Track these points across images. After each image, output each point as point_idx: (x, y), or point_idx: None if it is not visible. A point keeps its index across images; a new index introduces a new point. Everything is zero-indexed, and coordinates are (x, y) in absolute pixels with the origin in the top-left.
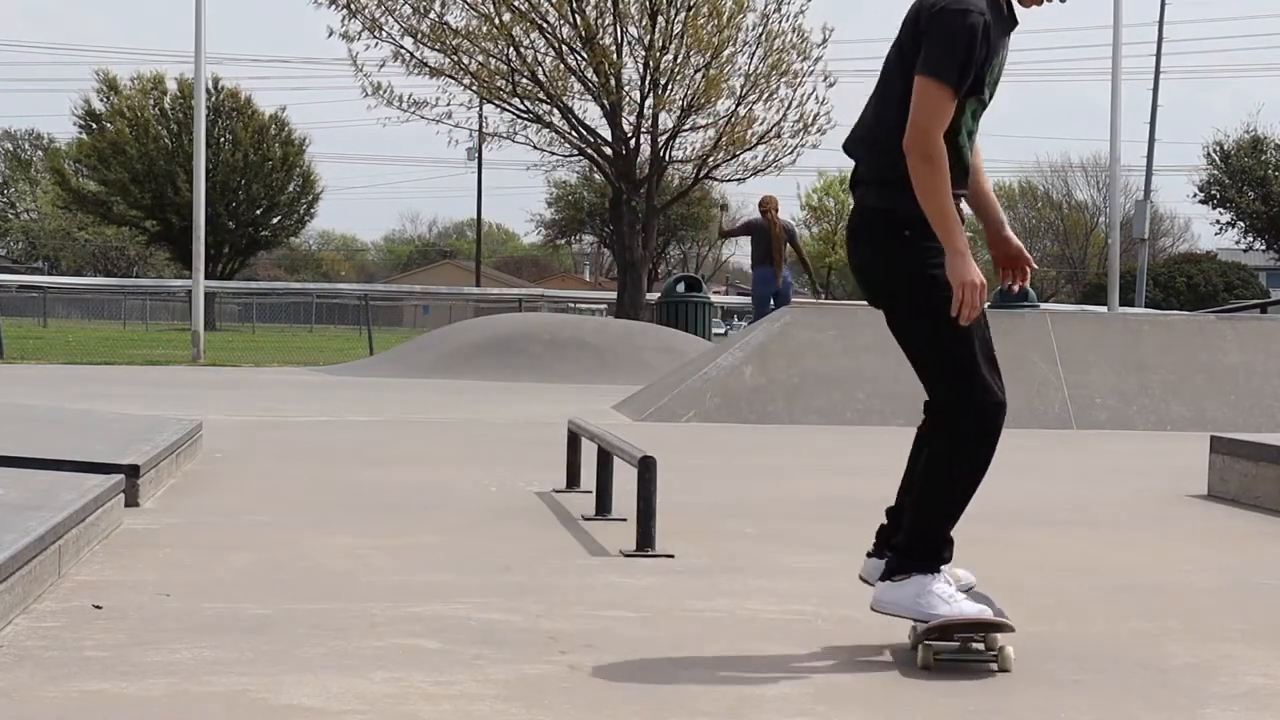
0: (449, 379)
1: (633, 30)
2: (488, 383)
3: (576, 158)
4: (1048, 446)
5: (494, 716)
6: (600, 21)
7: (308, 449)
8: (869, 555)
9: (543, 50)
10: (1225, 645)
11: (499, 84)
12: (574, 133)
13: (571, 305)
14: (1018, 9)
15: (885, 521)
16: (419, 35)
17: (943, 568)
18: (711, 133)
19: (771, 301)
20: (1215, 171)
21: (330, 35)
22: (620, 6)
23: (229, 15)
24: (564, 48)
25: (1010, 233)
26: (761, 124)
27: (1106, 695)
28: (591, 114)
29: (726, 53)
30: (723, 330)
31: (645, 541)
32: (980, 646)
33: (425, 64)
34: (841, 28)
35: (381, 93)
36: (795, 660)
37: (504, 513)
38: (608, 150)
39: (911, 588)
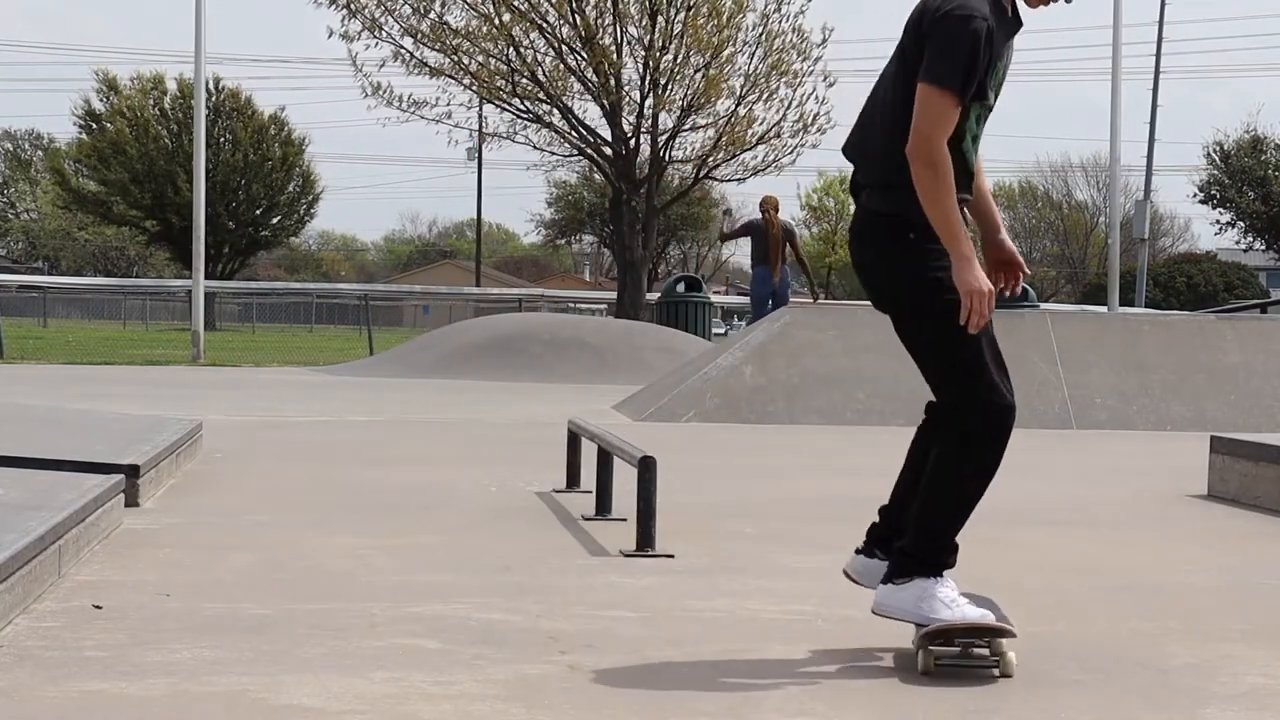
0: (449, 379)
1: (633, 30)
2: (488, 383)
3: (576, 158)
4: (1048, 446)
5: (494, 716)
6: (600, 21)
7: (308, 449)
8: (857, 551)
9: (543, 50)
10: (1225, 645)
11: (499, 84)
12: (574, 133)
13: (571, 305)
14: (1023, 9)
15: (877, 519)
16: (419, 35)
17: (945, 572)
18: (711, 133)
19: (770, 302)
20: (1215, 171)
21: (330, 35)
22: (620, 6)
23: (229, 15)
24: (564, 48)
25: (1005, 237)
26: (761, 124)
27: (1106, 695)
28: (591, 114)
29: (726, 53)
30: (723, 330)
31: (645, 541)
32: (985, 651)
33: (425, 64)
34: (841, 28)
35: (381, 93)
36: (795, 660)
37: (504, 513)
38: (608, 150)
39: (913, 591)
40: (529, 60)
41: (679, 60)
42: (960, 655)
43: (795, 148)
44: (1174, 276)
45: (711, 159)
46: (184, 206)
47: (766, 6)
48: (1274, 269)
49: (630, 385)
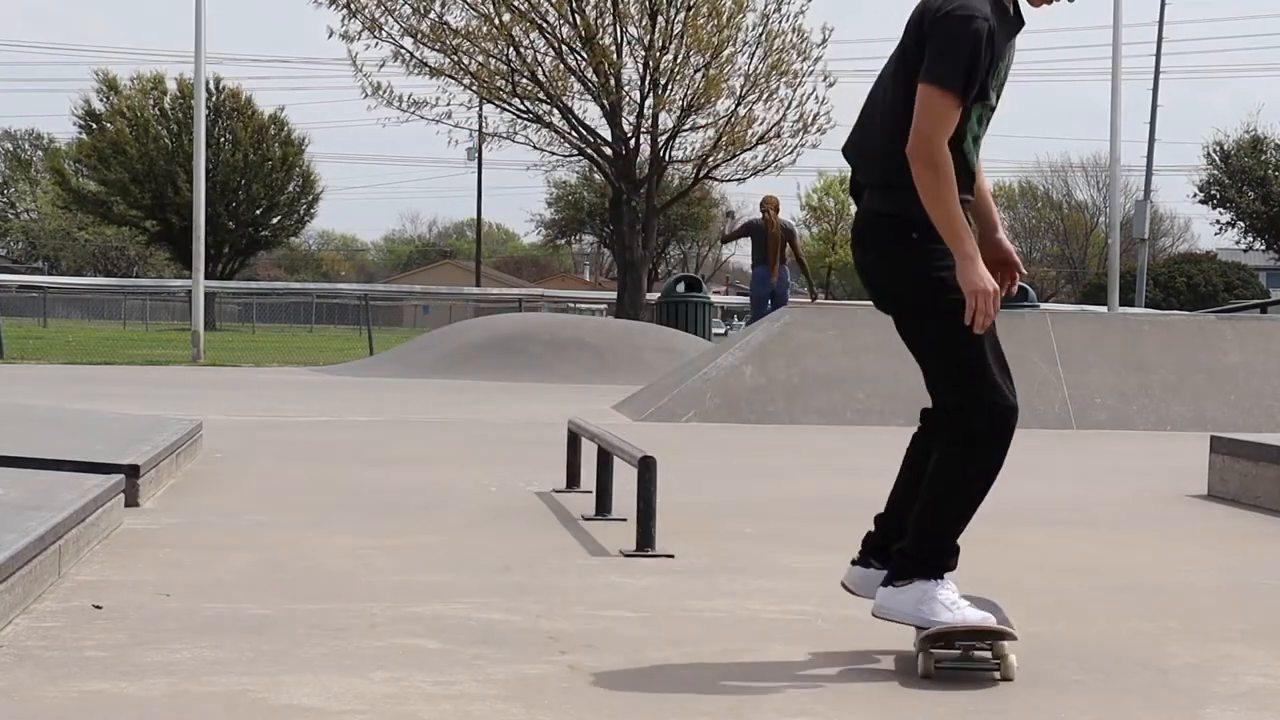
0: (449, 379)
1: (633, 30)
2: (488, 383)
3: (576, 158)
4: (1048, 446)
5: (494, 716)
6: (600, 21)
7: (308, 449)
8: (853, 563)
9: (543, 50)
10: (1225, 645)
11: (499, 84)
12: (574, 133)
13: (571, 305)
14: (1025, 9)
15: (873, 529)
16: (419, 35)
17: (946, 574)
18: (711, 133)
19: (769, 302)
20: (1215, 171)
21: (330, 35)
22: (620, 6)
23: (229, 15)
24: (564, 48)
25: (1003, 236)
26: (761, 124)
27: (1106, 695)
28: (591, 114)
29: (726, 53)
30: (723, 330)
31: (645, 541)
32: (986, 654)
33: (425, 64)
34: (841, 28)
35: (381, 93)
36: (795, 660)
37: (504, 513)
38: (608, 150)
39: (913, 593)
40: (529, 60)
41: (679, 60)
42: (961, 658)
43: (795, 148)
44: (1174, 276)
45: (711, 159)
46: (184, 206)
47: (766, 6)
48: (1274, 269)
49: (630, 385)
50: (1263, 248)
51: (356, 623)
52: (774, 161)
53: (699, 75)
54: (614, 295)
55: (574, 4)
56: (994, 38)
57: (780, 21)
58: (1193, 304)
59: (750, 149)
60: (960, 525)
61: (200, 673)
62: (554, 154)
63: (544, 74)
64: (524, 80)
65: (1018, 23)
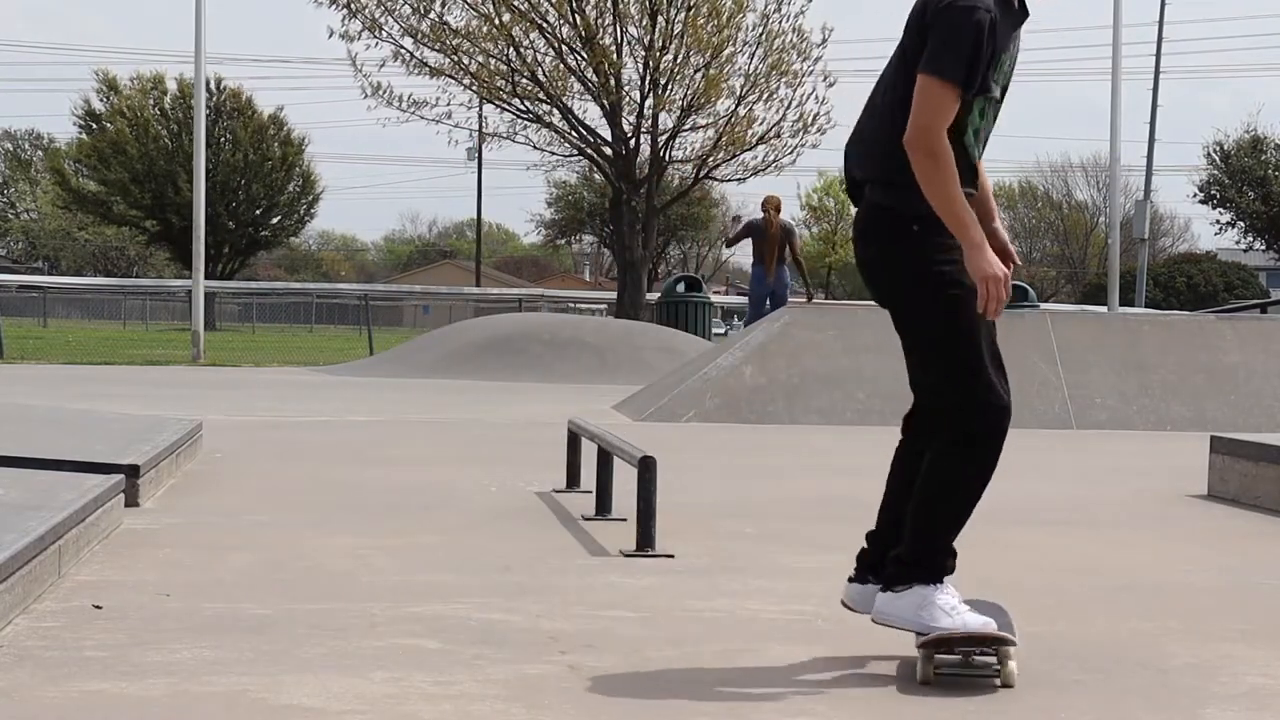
0: (449, 379)
1: (633, 30)
2: (488, 383)
3: (576, 158)
4: (1048, 446)
5: (494, 716)
6: (600, 21)
7: (308, 449)
8: (850, 580)
9: (543, 50)
10: (1225, 645)
11: (499, 84)
12: (574, 133)
13: (571, 305)
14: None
15: (866, 546)
16: (419, 35)
17: (946, 579)
18: (711, 133)
19: (768, 301)
20: (1215, 171)
21: (330, 35)
22: (620, 6)
23: (229, 15)
24: (564, 48)
25: (999, 225)
26: (761, 124)
27: (1106, 695)
28: (591, 114)
29: (726, 53)
30: (723, 330)
31: (645, 541)
32: (989, 660)
33: (425, 64)
34: (841, 28)
35: (381, 93)
36: (795, 660)
37: (504, 513)
38: (608, 150)
39: (913, 599)
40: (529, 60)
41: (679, 60)
42: (961, 664)
43: (795, 148)
44: (1174, 276)
45: (711, 159)
46: (184, 206)
47: (766, 6)
48: (1274, 269)
49: (630, 385)
50: (1263, 248)
51: (356, 623)
52: (774, 161)
53: (699, 75)
54: (614, 295)
55: (574, 4)
56: (996, 29)
57: (780, 21)
58: (1193, 304)
59: (750, 149)
60: (956, 527)
61: (200, 673)
62: (554, 154)
63: (544, 74)
64: (524, 80)
65: (1022, 14)
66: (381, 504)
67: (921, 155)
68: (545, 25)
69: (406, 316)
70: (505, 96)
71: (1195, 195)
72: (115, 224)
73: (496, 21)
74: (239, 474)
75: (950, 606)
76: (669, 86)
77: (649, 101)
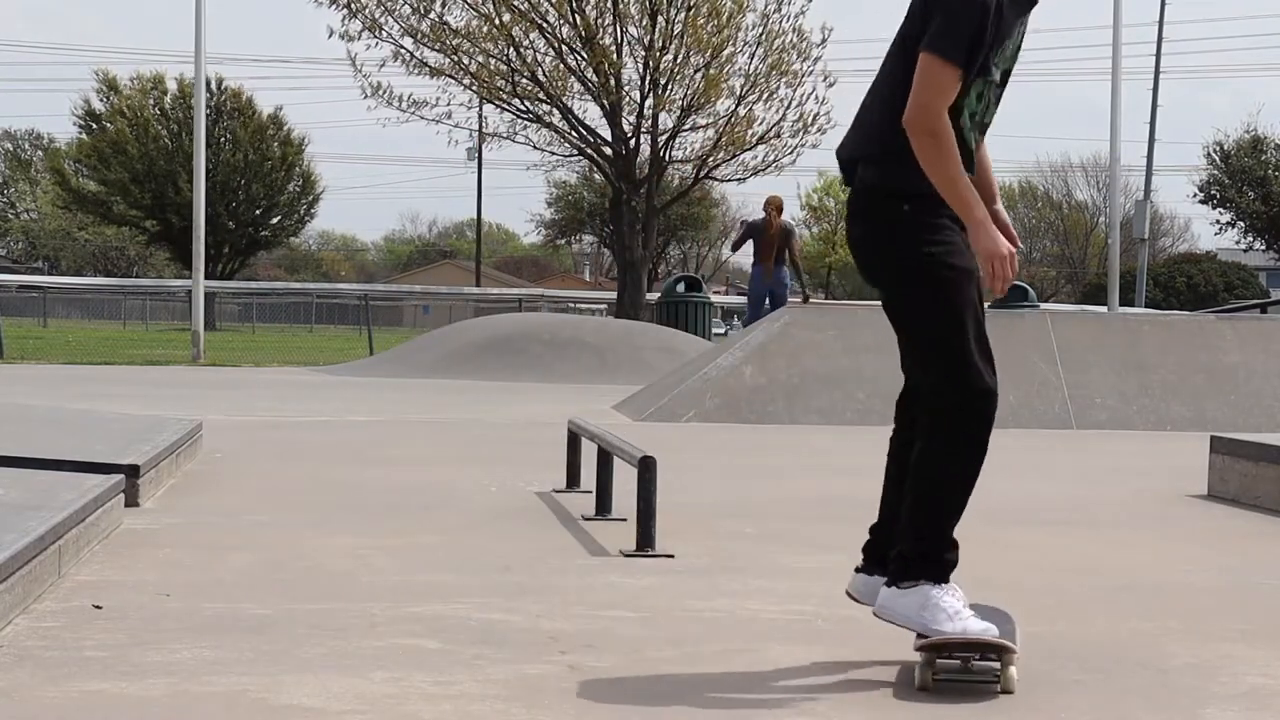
0: (449, 379)
1: (633, 30)
2: (488, 383)
3: (576, 158)
4: (1048, 446)
5: (494, 716)
6: (600, 21)
7: (308, 449)
8: (857, 571)
9: (543, 50)
10: (1225, 645)
11: (499, 84)
12: (574, 133)
13: (571, 305)
14: None
15: (870, 538)
16: (419, 35)
17: (951, 579)
18: (711, 133)
19: (767, 301)
20: (1215, 171)
21: (330, 35)
22: (620, 6)
23: (229, 15)
24: (564, 48)
25: (1001, 208)
26: (761, 124)
27: (1106, 695)
28: (591, 114)
29: (726, 52)
30: (723, 330)
31: (645, 541)
32: (992, 665)
33: (425, 64)
34: (841, 28)
35: (381, 93)
36: (795, 660)
37: (504, 513)
38: (608, 150)
39: (916, 598)
40: (529, 60)
41: (679, 60)
42: (960, 669)
43: (795, 148)
44: (1174, 276)
45: (711, 159)
46: (184, 206)
47: (766, 6)
48: (1274, 269)
49: (630, 385)
50: (1263, 248)
51: (356, 623)
52: (774, 161)
53: (699, 75)
54: (614, 295)
55: (574, 4)
56: (1002, 11)
57: (780, 21)
58: (1193, 304)
59: (750, 149)
60: (951, 516)
61: (200, 673)
62: (554, 154)
63: (544, 74)
64: (524, 80)
65: (1030, 0)
66: (381, 504)
67: (922, 134)
68: (545, 25)
69: (406, 316)
70: (505, 96)
71: (1195, 195)
72: (115, 224)
73: (496, 21)
74: (239, 474)
75: (954, 610)
76: (669, 86)
77: (649, 101)
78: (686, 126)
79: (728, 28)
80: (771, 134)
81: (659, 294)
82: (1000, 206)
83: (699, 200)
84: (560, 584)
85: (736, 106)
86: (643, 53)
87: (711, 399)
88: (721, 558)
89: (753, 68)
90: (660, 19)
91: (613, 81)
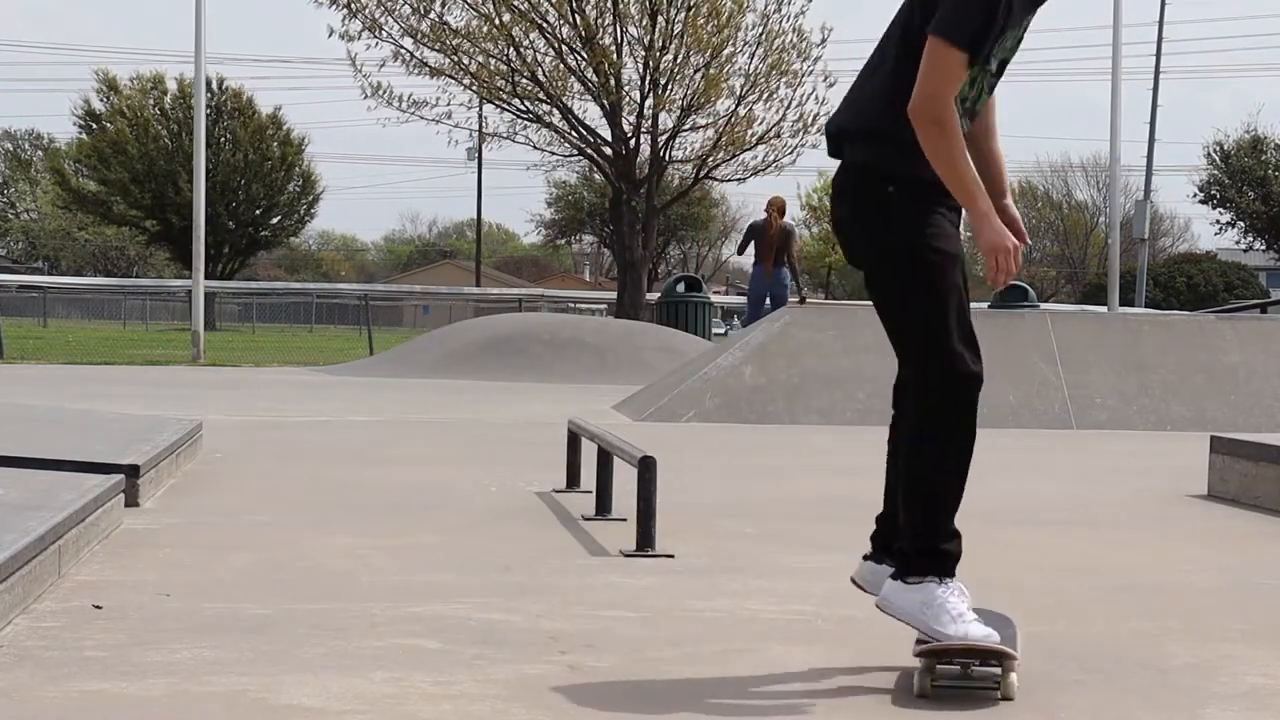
0: (449, 379)
1: (633, 30)
2: (488, 383)
3: (576, 158)
4: (1048, 446)
5: (494, 716)
6: (600, 21)
7: (308, 449)
8: (865, 558)
9: (543, 50)
10: (1225, 645)
11: (499, 84)
12: (574, 133)
13: (571, 305)
14: None
15: (876, 528)
16: (419, 35)
17: (956, 575)
18: (711, 133)
19: (768, 301)
20: (1215, 171)
21: (330, 35)
22: (620, 6)
23: (229, 15)
24: (564, 48)
25: (1010, 203)
26: (761, 124)
27: (1106, 695)
28: (591, 114)
29: (726, 52)
30: (723, 330)
31: (645, 541)
32: (994, 671)
33: (425, 64)
34: (841, 28)
35: (381, 93)
36: (795, 660)
37: (504, 513)
38: (608, 150)
39: (920, 595)
40: (529, 60)
41: (679, 60)
42: (960, 675)
43: (795, 148)
44: (1174, 276)
45: (711, 159)
46: (184, 206)
47: (766, 6)
48: (1274, 269)
49: (630, 385)
50: (1263, 248)
51: (356, 623)
52: (774, 161)
53: (699, 75)
54: (614, 295)
55: (574, 4)
56: (1014, 4)
57: (780, 21)
58: (1193, 304)
59: (750, 149)
60: (947, 506)
61: (200, 673)
62: (554, 154)
63: (544, 74)
64: (524, 80)
65: None
66: (381, 504)
67: (928, 123)
68: (545, 25)
69: (406, 316)
70: (505, 96)
71: (1195, 195)
72: (115, 224)
73: (496, 21)
74: (239, 474)
75: (957, 612)
76: (669, 86)
77: (649, 101)
78: (686, 126)
79: (728, 28)
80: (771, 134)
81: (659, 294)
82: (1010, 201)
83: (699, 200)
84: (560, 584)
85: (736, 106)
86: (643, 53)
87: (711, 399)
88: (721, 558)
89: (753, 68)
90: (660, 19)
91: (613, 81)
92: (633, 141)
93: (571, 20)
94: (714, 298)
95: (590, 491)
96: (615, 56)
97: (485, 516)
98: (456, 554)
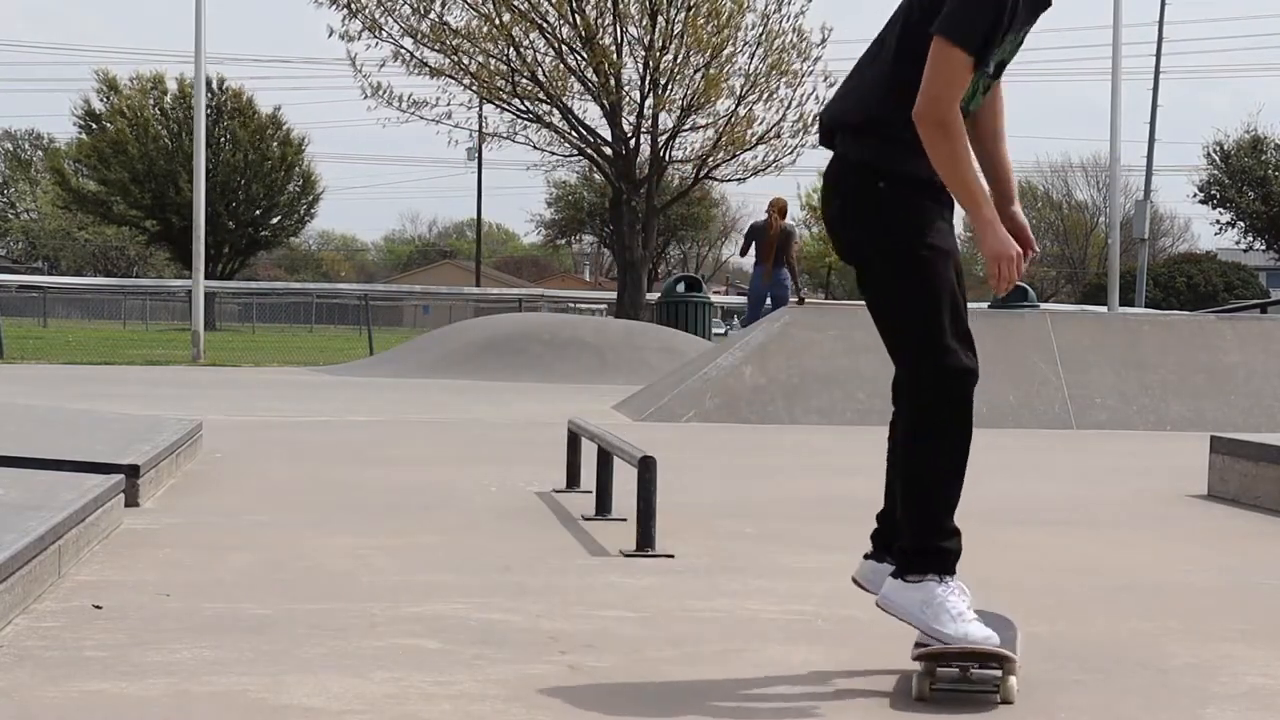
0: (449, 379)
1: (633, 30)
2: (488, 383)
3: (576, 158)
4: (1048, 446)
5: (494, 716)
6: (600, 21)
7: (308, 449)
8: (866, 557)
9: (543, 50)
10: (1225, 645)
11: (499, 84)
12: (574, 133)
13: (571, 305)
14: None
15: (877, 526)
16: (419, 35)
17: (957, 574)
18: (711, 133)
19: (769, 300)
20: (1215, 171)
21: (330, 35)
22: (620, 6)
23: (229, 15)
24: (564, 48)
25: (1019, 209)
26: (761, 124)
27: (1106, 695)
28: (591, 114)
29: (726, 52)
30: (723, 330)
31: (645, 541)
32: (994, 674)
33: (425, 64)
34: (841, 28)
35: (381, 93)
36: (795, 660)
37: (504, 513)
38: (608, 150)
39: (920, 594)
40: (529, 60)
41: (679, 60)
42: (959, 678)
43: (795, 148)
44: (1174, 276)
45: (711, 159)
46: (184, 206)
47: (766, 7)
48: (1274, 269)
49: (630, 385)
50: (1263, 248)
51: (356, 623)
52: (774, 161)
53: (699, 75)
54: (614, 295)
55: (574, 4)
56: (1019, 8)
57: (780, 21)
58: (1193, 304)
59: (750, 149)
60: (945, 504)
61: (200, 673)
62: (554, 154)
63: (544, 74)
64: (524, 80)
65: (1045, 2)
66: (381, 504)
67: (931, 126)
68: (545, 25)
69: (406, 316)
70: (505, 96)
71: (1195, 195)
72: (115, 224)
73: (496, 21)
74: (239, 474)
75: (956, 611)
76: (669, 86)
77: (649, 101)
78: (686, 126)
79: (728, 28)
80: (771, 134)
81: (659, 294)
82: (1018, 208)
83: (699, 200)
84: (560, 584)
85: (736, 106)
86: (643, 53)
87: (711, 399)
88: (721, 558)
89: (753, 68)
90: (660, 19)
91: (613, 81)
92: (633, 141)
93: (571, 20)
94: (714, 298)
95: (590, 491)
96: (615, 56)
97: (485, 516)
98: (456, 554)
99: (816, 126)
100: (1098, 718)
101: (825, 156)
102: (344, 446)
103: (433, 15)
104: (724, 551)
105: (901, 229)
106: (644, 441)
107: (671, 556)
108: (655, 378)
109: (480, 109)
